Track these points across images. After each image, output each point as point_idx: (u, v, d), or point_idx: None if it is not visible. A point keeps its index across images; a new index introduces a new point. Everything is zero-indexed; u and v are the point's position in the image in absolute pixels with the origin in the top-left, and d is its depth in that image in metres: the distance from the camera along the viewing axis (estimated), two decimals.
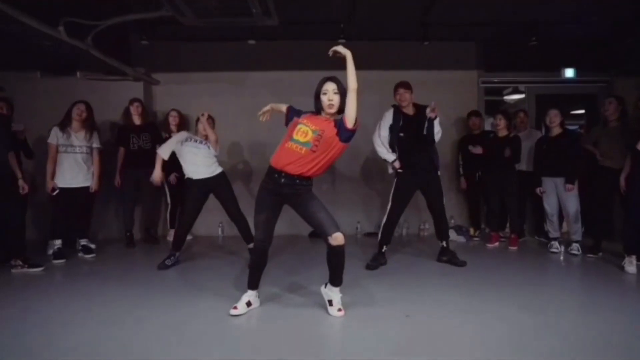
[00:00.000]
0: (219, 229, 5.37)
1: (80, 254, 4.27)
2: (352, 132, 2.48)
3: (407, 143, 3.74)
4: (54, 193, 4.11)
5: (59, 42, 3.92)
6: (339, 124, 2.49)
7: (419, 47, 5.19)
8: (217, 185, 3.86)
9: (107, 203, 5.13)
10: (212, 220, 5.16)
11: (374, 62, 5.38)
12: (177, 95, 5.46)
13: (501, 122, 4.49)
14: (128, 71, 4.88)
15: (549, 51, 5.24)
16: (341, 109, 2.53)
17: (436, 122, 3.76)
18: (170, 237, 5.01)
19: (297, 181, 2.51)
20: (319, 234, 2.59)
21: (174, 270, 3.78)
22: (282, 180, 2.51)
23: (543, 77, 5.55)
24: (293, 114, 2.69)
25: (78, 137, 4.23)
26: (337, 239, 2.47)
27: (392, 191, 3.86)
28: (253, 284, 2.68)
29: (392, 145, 3.80)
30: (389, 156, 3.79)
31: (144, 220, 5.06)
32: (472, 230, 5.22)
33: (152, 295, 3.07)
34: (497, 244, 4.72)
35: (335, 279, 2.60)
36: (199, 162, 3.81)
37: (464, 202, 5.46)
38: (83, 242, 4.33)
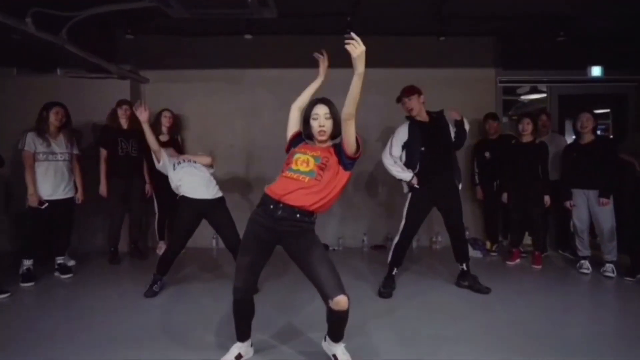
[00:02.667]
0: (213, 241, 4.94)
1: (56, 274, 3.83)
2: (354, 159, 2.08)
3: (430, 156, 3.30)
4: (44, 207, 3.63)
5: (30, 36, 3.48)
6: (339, 151, 2.09)
7: (431, 42, 4.77)
8: (214, 209, 3.40)
9: (91, 213, 4.70)
10: (205, 232, 4.70)
11: (381, 59, 4.89)
12: (168, 95, 5.02)
13: (528, 127, 4.03)
14: (111, 68, 4.43)
15: (574, 47, 4.79)
16: (334, 135, 2.14)
17: (465, 122, 3.39)
18: (160, 251, 4.61)
19: (298, 215, 2.04)
20: (318, 291, 2.06)
21: (158, 300, 3.29)
22: (279, 212, 2.04)
23: (567, 76, 5.07)
24: (296, 142, 2.25)
25: (58, 144, 3.79)
26: (339, 303, 1.97)
27: (405, 207, 3.40)
28: (242, 336, 2.23)
29: (413, 163, 3.33)
30: (405, 175, 3.32)
31: (130, 232, 4.62)
32: (488, 244, 4.78)
33: (125, 343, 2.55)
34: (518, 260, 4.29)
35: (336, 337, 2.16)
36: (197, 181, 3.37)
37: (479, 213, 5.01)
38: (59, 260, 3.89)
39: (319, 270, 2.00)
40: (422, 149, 3.28)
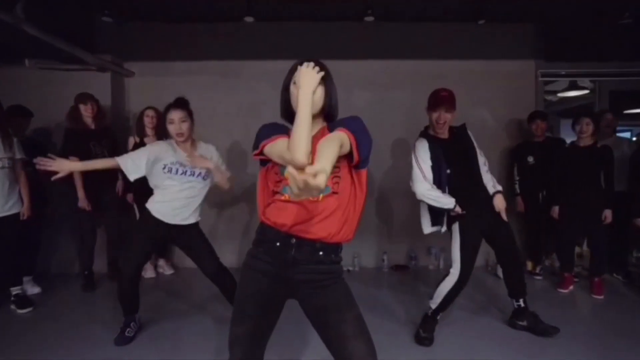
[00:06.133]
0: None
1: (12, 307, 3.13)
2: (359, 163, 1.35)
3: (458, 179, 2.55)
4: None
5: None
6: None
7: (462, 29, 4.16)
8: (182, 235, 2.61)
9: (62, 229, 4.02)
10: None
11: (405, 49, 4.25)
12: (157, 90, 4.32)
13: (588, 128, 3.34)
14: (87, 58, 3.75)
15: (628, 35, 4.09)
16: (325, 111, 1.43)
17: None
18: (163, 269, 4.15)
19: (321, 253, 1.35)
20: None
21: (133, 349, 2.58)
22: (293, 252, 1.34)
23: (619, 69, 4.37)
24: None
25: None
26: None
27: (457, 248, 2.58)
28: None
29: (442, 187, 2.55)
30: (448, 200, 2.51)
31: (108, 250, 3.93)
32: (530, 265, 4.07)
33: None
34: (571, 287, 3.59)
35: None
36: (176, 202, 2.54)
37: (519, 228, 4.27)
38: (15, 290, 3.16)
39: (353, 346, 1.30)
40: (448, 171, 2.54)
